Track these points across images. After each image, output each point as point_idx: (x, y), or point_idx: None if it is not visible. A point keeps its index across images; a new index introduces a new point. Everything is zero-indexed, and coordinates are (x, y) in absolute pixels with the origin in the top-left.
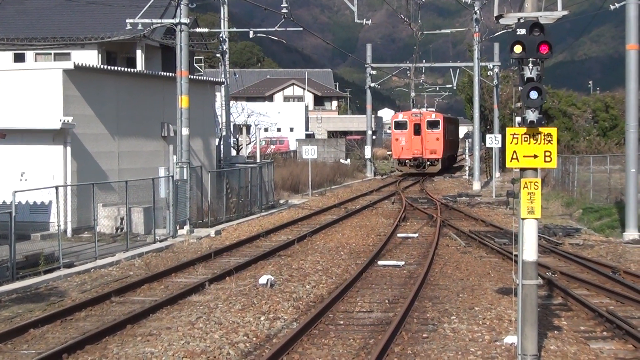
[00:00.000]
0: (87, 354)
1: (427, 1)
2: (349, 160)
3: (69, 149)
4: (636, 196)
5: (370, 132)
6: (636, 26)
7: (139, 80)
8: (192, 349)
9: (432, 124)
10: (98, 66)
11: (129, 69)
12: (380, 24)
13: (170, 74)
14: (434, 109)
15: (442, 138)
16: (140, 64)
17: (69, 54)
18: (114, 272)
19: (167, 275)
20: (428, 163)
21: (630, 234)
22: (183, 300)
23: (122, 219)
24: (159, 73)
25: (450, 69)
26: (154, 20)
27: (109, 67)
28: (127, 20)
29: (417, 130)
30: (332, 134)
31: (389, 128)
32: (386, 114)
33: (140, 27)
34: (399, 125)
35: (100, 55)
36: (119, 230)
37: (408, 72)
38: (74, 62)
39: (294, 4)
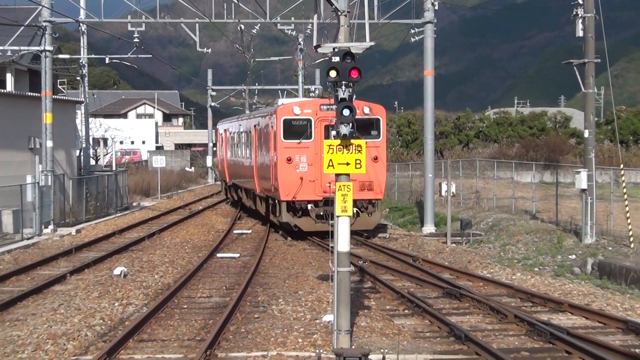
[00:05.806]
0: None
1: (260, 33)
2: (193, 168)
3: None
4: (433, 197)
5: (211, 144)
6: (432, 55)
7: (8, 99)
8: (54, 332)
9: (367, 126)
10: None
11: None
12: (220, 52)
13: (37, 94)
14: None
15: (384, 157)
16: (10, 86)
17: None
18: None
19: (33, 269)
20: (356, 210)
21: (427, 228)
22: (47, 290)
23: None
24: (27, 93)
25: (279, 91)
26: (22, 48)
27: None
28: None
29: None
30: (179, 146)
31: (256, 128)
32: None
33: (9, 53)
34: (292, 130)
35: None
36: None
37: (243, 93)
38: None
39: (145, 34)
